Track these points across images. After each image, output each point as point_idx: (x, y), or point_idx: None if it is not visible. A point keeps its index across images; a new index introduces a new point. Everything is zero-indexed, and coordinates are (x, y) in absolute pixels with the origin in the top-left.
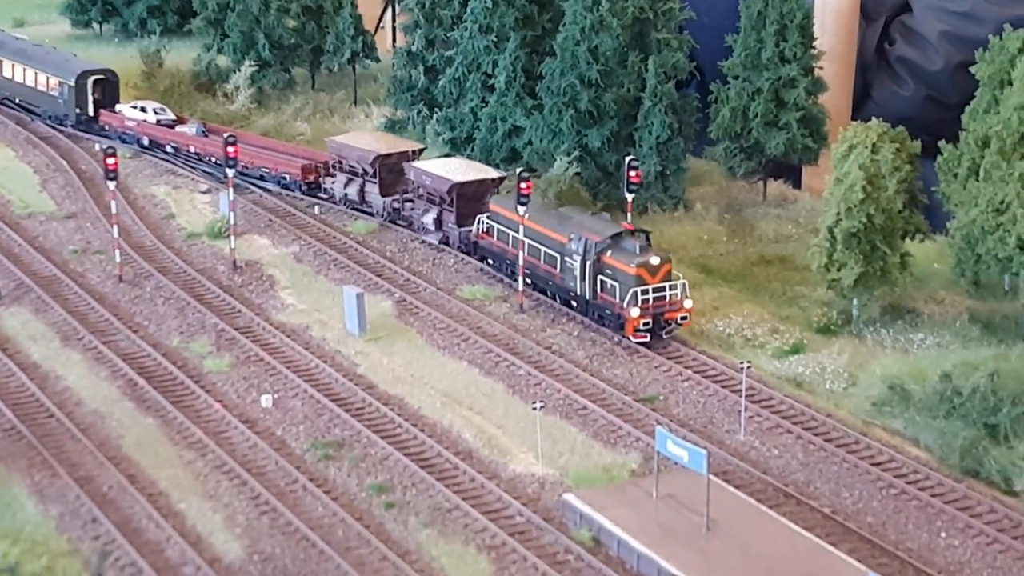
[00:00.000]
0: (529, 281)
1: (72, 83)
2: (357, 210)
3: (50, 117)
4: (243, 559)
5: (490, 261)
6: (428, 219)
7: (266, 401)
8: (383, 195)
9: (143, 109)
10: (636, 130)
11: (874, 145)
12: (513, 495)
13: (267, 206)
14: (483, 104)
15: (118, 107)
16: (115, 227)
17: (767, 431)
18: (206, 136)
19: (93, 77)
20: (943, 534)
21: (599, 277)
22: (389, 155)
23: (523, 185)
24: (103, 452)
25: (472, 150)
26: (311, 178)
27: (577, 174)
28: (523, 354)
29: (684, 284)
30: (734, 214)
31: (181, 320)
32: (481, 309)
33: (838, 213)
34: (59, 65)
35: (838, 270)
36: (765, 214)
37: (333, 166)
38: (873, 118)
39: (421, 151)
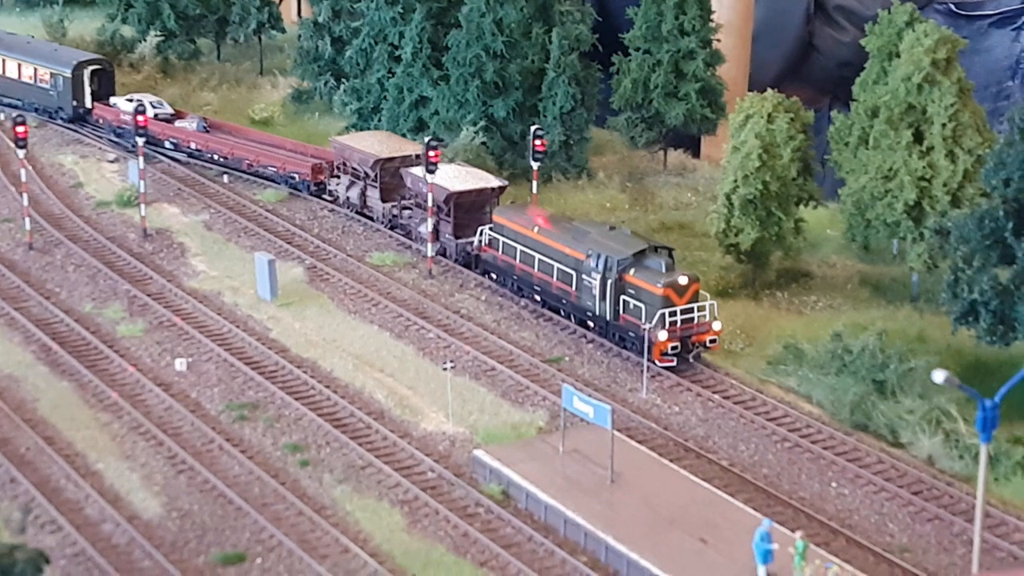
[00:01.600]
0: (539, 299)
1: (68, 74)
2: (360, 214)
3: (36, 110)
4: (162, 515)
5: (493, 276)
6: (424, 229)
7: (180, 365)
8: (383, 200)
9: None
10: (540, 100)
11: (770, 115)
12: (425, 452)
13: (176, 175)
14: (390, 75)
15: (112, 100)
16: (24, 195)
17: (668, 389)
18: (207, 131)
19: (90, 68)
20: (834, 484)
21: (621, 297)
22: (391, 159)
23: (431, 154)
24: (19, 415)
25: (379, 121)
26: (322, 178)
27: (483, 143)
28: (432, 318)
29: (712, 305)
30: (636, 182)
31: (93, 287)
32: (391, 275)
33: (735, 180)
34: (49, 56)
35: (735, 235)
36: (665, 182)
37: (337, 167)
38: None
39: None
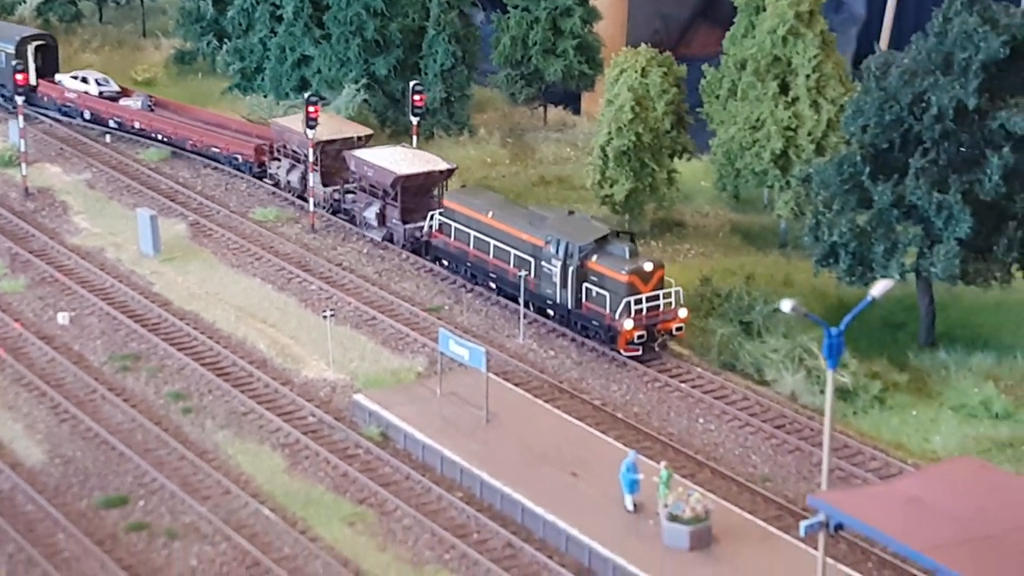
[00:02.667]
0: (494, 286)
1: (11, 50)
2: (301, 199)
3: None
4: (44, 462)
5: (445, 262)
6: (370, 214)
7: (63, 318)
8: (325, 184)
9: (84, 80)
10: (421, 58)
11: (643, 69)
12: (306, 398)
13: (58, 135)
14: (272, 34)
15: (58, 77)
16: None
17: (544, 336)
18: (152, 110)
19: (34, 43)
20: (701, 420)
21: (584, 285)
22: (331, 141)
23: (311, 109)
24: None
25: (262, 80)
26: (265, 160)
27: (365, 101)
28: (315, 271)
29: (678, 291)
30: (516, 138)
31: None
32: (273, 230)
33: (609, 133)
34: None
35: (611, 186)
36: (546, 138)
37: (277, 150)
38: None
39: (368, 137)
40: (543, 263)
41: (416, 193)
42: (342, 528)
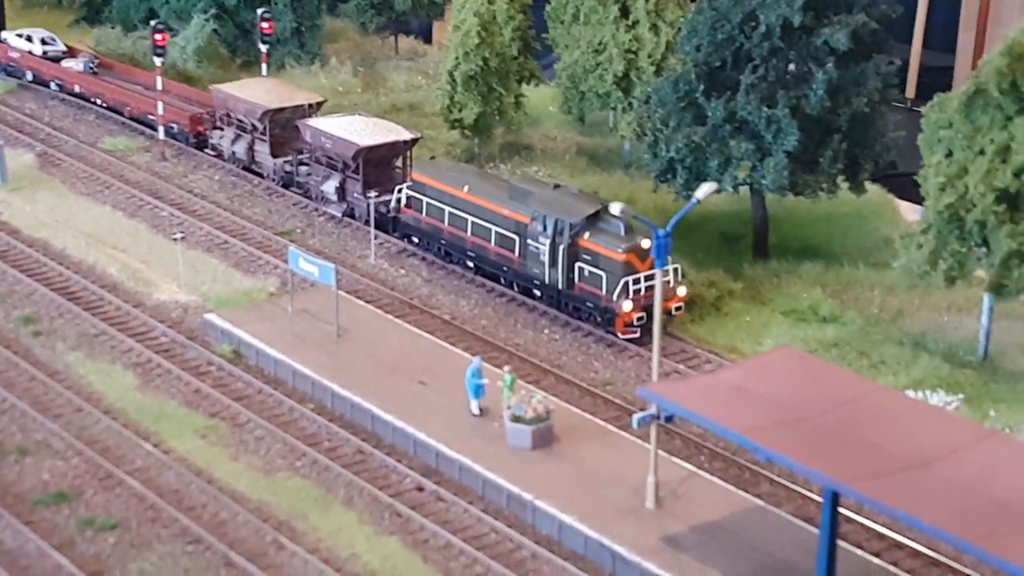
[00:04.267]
0: (472, 265)
1: None
2: (247, 170)
3: None
4: None
5: (415, 240)
6: (329, 187)
7: None
8: (274, 155)
9: (29, 38)
10: None
11: None
12: (158, 319)
13: None
14: None
15: (3, 35)
16: None
17: (395, 256)
18: (95, 74)
19: None
20: (547, 331)
21: (576, 264)
22: (281, 109)
23: (158, 37)
24: None
25: (110, 12)
26: (202, 130)
27: (215, 31)
28: (166, 197)
29: (677, 269)
30: (368, 67)
31: None
32: (124, 159)
33: (457, 58)
34: None
35: (460, 111)
36: (397, 67)
37: (220, 119)
38: None
39: (320, 104)
40: (529, 241)
41: (378, 165)
42: (195, 440)
